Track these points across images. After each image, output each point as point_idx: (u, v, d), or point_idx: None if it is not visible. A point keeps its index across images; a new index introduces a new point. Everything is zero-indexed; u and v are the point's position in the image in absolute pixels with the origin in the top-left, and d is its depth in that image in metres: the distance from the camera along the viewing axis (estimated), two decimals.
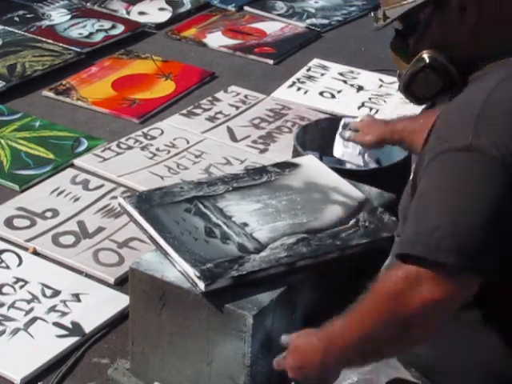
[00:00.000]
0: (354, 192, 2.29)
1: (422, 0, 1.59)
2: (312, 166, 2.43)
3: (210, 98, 3.79)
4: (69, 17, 4.55)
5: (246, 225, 2.12)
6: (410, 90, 1.73)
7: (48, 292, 2.51)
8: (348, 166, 2.56)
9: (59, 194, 3.00)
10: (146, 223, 2.10)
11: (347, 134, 2.50)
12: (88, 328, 2.38)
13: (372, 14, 1.74)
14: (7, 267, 2.60)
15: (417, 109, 3.97)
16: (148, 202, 2.17)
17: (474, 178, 1.43)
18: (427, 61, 1.65)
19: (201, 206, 2.18)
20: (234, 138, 3.45)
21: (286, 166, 2.40)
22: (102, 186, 3.06)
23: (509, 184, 1.42)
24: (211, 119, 3.59)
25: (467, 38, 1.60)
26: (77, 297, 2.49)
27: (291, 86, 3.93)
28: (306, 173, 2.38)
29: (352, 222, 2.15)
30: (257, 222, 2.14)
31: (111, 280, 2.57)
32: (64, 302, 2.47)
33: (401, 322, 1.47)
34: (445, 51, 1.63)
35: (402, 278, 1.45)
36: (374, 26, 1.71)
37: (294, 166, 2.41)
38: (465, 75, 1.64)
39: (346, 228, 2.12)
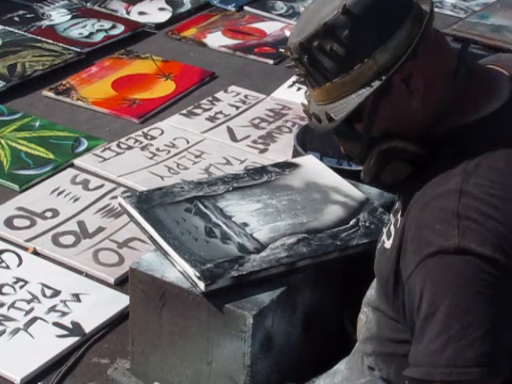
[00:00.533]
0: (354, 192, 2.29)
1: (368, 93, 1.48)
2: (312, 166, 2.43)
3: (210, 98, 3.79)
4: (69, 17, 4.55)
5: (246, 225, 2.12)
6: (378, 183, 1.67)
7: (48, 292, 2.50)
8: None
9: (59, 193, 3.00)
10: (146, 223, 2.10)
11: None
12: (88, 328, 2.38)
13: (303, 109, 1.61)
14: (7, 267, 2.60)
15: None
16: (148, 202, 2.17)
17: (472, 282, 1.39)
18: (390, 154, 1.54)
19: (201, 206, 2.18)
20: (234, 138, 3.45)
21: (286, 166, 2.41)
22: (102, 185, 3.06)
23: (506, 280, 1.40)
24: (211, 119, 3.59)
25: (421, 107, 1.52)
26: (77, 297, 2.49)
27: (291, 86, 3.94)
28: (306, 173, 2.38)
29: (352, 221, 2.15)
30: (257, 222, 2.14)
31: (111, 280, 2.57)
32: (64, 302, 2.47)
33: None
34: (400, 132, 1.54)
35: None
36: (317, 127, 1.57)
37: (295, 166, 2.41)
38: (428, 148, 1.55)
39: (346, 228, 2.12)
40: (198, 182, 2.29)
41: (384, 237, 1.62)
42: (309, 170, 2.39)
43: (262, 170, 2.38)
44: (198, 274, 1.92)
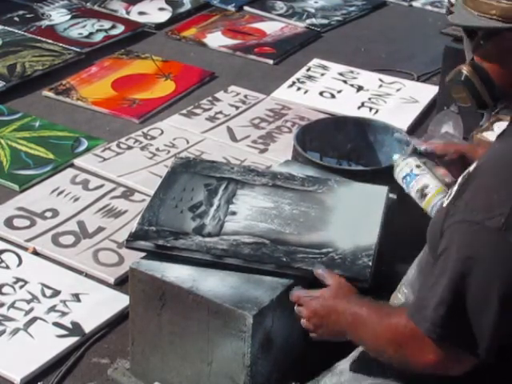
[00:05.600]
0: (368, 233, 2.12)
1: (505, 26, 1.59)
2: (375, 196, 2.27)
3: (210, 98, 3.79)
4: (69, 17, 4.55)
5: (233, 213, 2.16)
6: (451, 96, 1.78)
7: (48, 292, 2.51)
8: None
9: (59, 193, 3.00)
10: (161, 181, 2.27)
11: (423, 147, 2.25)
12: (88, 328, 2.38)
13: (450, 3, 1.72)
14: (7, 267, 2.60)
15: (416, 109, 3.97)
16: (187, 167, 2.33)
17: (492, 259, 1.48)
18: (461, 78, 1.69)
19: (222, 186, 2.25)
20: (233, 138, 3.45)
21: (345, 185, 2.31)
22: (102, 185, 3.07)
23: None
24: (211, 119, 3.60)
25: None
26: (77, 297, 2.49)
27: (291, 85, 3.94)
28: (357, 198, 2.26)
29: (325, 249, 2.05)
30: (245, 216, 2.15)
31: (111, 280, 2.57)
32: (64, 302, 2.47)
33: (403, 362, 1.62)
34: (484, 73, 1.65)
35: (409, 336, 1.58)
36: (449, 18, 1.70)
37: (356, 187, 2.31)
38: (499, 100, 1.67)
39: (309, 251, 2.03)
40: (248, 169, 2.37)
41: (445, 198, 1.69)
42: (365, 197, 2.26)
43: (318, 181, 2.32)
44: (132, 231, 2.07)
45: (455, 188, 1.65)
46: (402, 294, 1.86)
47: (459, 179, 1.68)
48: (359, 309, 1.70)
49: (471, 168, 1.65)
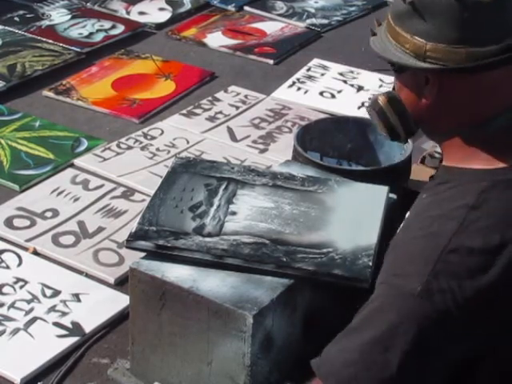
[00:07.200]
0: (368, 233, 2.12)
1: (418, 67, 1.57)
2: (375, 196, 2.27)
3: (210, 98, 3.79)
4: (69, 17, 4.55)
5: (234, 213, 2.15)
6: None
7: (48, 292, 2.51)
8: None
9: (59, 193, 3.00)
10: (161, 181, 2.27)
11: None
12: (88, 328, 2.38)
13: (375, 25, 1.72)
14: (7, 267, 2.60)
15: None
16: (187, 167, 2.33)
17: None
18: (376, 109, 1.69)
19: (223, 186, 2.25)
20: (234, 138, 3.45)
21: (347, 186, 2.30)
22: (102, 185, 3.06)
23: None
24: (211, 119, 3.59)
25: (424, 112, 1.62)
26: (77, 297, 2.49)
27: (291, 85, 3.93)
28: (357, 198, 2.25)
29: (325, 249, 2.05)
30: (245, 216, 2.15)
31: (111, 280, 2.57)
32: (64, 302, 2.47)
33: None
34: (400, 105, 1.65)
35: None
36: (371, 41, 1.69)
37: (357, 188, 2.30)
38: (412, 135, 1.68)
39: (309, 251, 2.03)
40: (249, 169, 2.36)
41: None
42: (364, 196, 2.26)
43: (318, 181, 2.31)
44: (132, 231, 2.06)
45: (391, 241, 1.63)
46: None
47: (403, 223, 1.66)
48: None
49: (406, 216, 1.64)
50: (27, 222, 2.82)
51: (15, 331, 2.35)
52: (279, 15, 4.81)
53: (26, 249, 2.70)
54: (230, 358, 1.96)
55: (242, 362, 1.95)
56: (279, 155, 3.19)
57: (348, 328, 1.55)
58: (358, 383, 1.47)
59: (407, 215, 1.65)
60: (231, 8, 4.88)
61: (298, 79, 4.00)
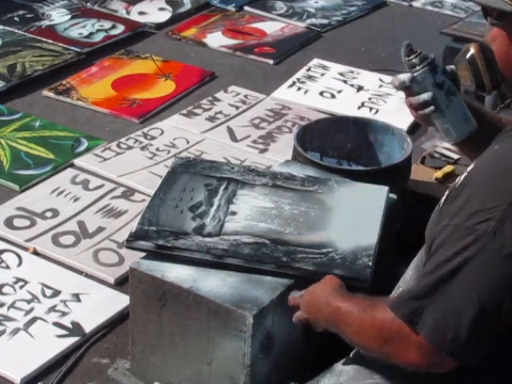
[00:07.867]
0: (368, 233, 2.12)
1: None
2: (375, 196, 2.27)
3: (210, 98, 3.79)
4: (69, 17, 4.55)
5: (234, 213, 2.16)
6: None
7: (48, 292, 2.51)
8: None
9: (59, 193, 3.00)
10: (161, 181, 2.27)
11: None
12: (88, 328, 2.38)
13: None
14: (7, 267, 2.60)
15: None
16: (187, 167, 2.33)
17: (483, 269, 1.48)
18: (467, 56, 1.72)
19: (223, 186, 2.25)
20: (234, 138, 3.45)
21: (346, 185, 2.30)
22: (102, 185, 3.06)
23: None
24: (211, 119, 3.60)
25: None
26: (77, 297, 2.49)
27: (291, 85, 3.94)
28: (357, 198, 2.25)
29: (325, 249, 2.05)
30: (245, 216, 2.15)
31: (111, 280, 2.57)
32: (64, 301, 2.47)
33: (387, 358, 1.62)
34: (490, 55, 1.67)
35: (395, 333, 1.56)
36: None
37: (356, 187, 2.30)
38: (498, 87, 1.69)
39: (309, 251, 2.03)
40: (249, 169, 2.37)
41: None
42: (362, 197, 2.26)
43: (318, 181, 2.32)
44: (132, 231, 2.07)
45: (447, 192, 1.65)
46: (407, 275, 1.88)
47: (457, 180, 1.67)
48: (342, 301, 1.71)
49: (469, 168, 1.65)
50: (27, 222, 2.82)
51: (15, 331, 2.35)
52: (279, 15, 4.81)
53: (26, 249, 2.70)
54: (230, 357, 1.96)
55: (242, 362, 1.95)
56: (279, 155, 3.19)
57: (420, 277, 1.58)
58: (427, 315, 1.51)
59: (471, 166, 1.66)
60: (231, 8, 4.88)
61: (298, 79, 4.00)
